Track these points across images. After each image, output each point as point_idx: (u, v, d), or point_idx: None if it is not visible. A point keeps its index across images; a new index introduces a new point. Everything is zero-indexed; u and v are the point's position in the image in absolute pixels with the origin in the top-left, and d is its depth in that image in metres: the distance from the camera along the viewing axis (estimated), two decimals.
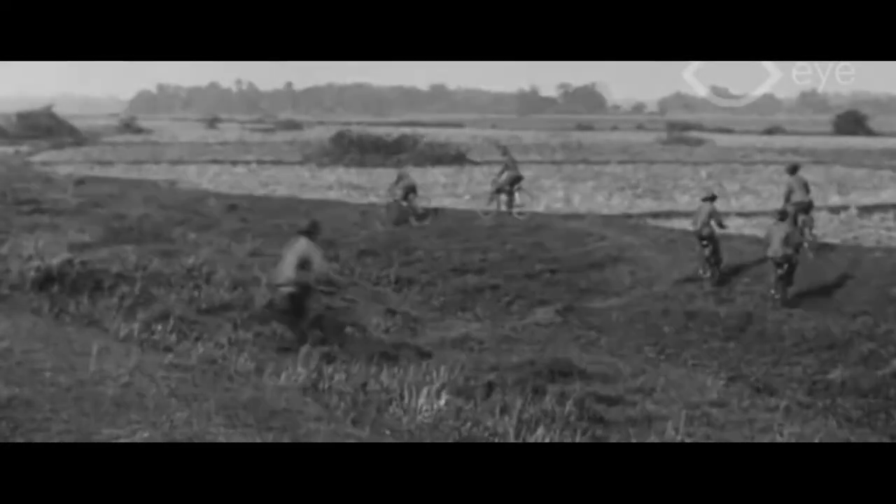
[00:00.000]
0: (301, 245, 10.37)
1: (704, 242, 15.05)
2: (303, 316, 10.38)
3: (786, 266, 13.52)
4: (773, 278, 13.75)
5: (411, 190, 21.52)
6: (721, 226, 15.11)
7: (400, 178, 22.01)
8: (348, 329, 11.28)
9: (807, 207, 16.56)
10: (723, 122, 79.01)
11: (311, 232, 10.56)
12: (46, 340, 7.85)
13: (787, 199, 16.54)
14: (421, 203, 21.78)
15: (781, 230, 13.65)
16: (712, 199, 15.46)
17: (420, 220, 20.94)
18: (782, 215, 14.12)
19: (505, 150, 23.02)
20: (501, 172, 21.75)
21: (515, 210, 21.17)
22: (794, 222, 15.20)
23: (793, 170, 17.38)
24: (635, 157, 40.72)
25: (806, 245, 15.53)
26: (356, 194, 25.97)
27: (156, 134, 61.74)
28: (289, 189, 27.24)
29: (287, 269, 10.31)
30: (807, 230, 16.24)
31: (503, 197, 21.42)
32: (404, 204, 21.32)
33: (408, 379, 8.07)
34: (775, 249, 13.51)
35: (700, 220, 15.20)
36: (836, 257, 15.81)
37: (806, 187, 16.76)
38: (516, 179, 21.49)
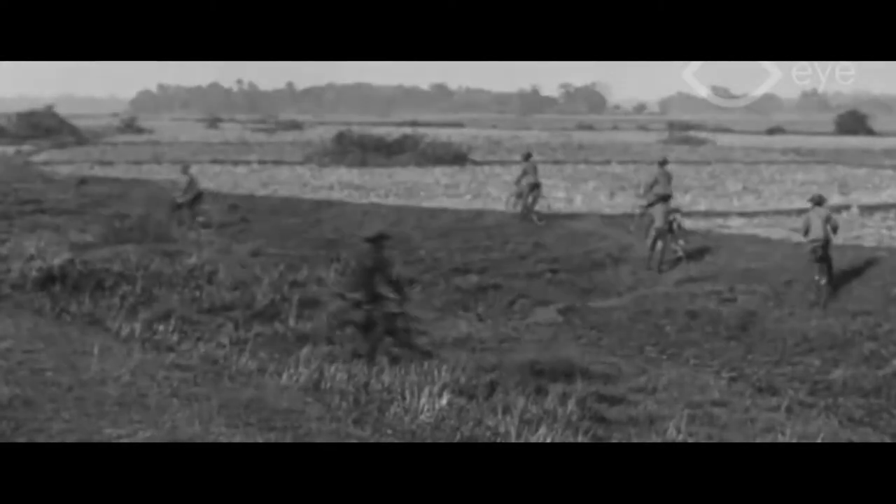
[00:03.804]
0: (822, 210, 14.22)
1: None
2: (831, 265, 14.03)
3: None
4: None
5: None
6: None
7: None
8: None
9: (535, 186, 20.65)
10: (724, 122, 78.95)
11: (820, 202, 14.43)
12: (48, 340, 7.85)
13: (517, 182, 21.22)
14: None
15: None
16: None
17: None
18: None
19: (185, 168, 22.83)
20: (186, 191, 21.50)
21: (199, 222, 21.07)
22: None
23: (526, 156, 22.00)
24: (636, 157, 40.70)
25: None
26: (357, 194, 25.97)
27: (157, 134, 61.75)
28: (290, 189, 27.25)
29: (818, 230, 13.95)
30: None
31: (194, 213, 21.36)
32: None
33: (409, 378, 8.06)
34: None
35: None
36: (838, 257, 15.79)
37: (536, 171, 20.95)
38: (198, 196, 21.52)
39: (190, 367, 7.49)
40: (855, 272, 14.65)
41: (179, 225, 20.22)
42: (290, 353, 9.38)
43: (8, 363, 6.73)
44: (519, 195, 20.97)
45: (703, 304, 13.97)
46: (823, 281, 13.87)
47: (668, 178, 19.25)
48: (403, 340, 10.06)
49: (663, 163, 19.88)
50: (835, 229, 14.16)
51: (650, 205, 18.09)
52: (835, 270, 14.51)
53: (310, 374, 7.79)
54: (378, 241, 10.10)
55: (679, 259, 16.43)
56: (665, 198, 17.99)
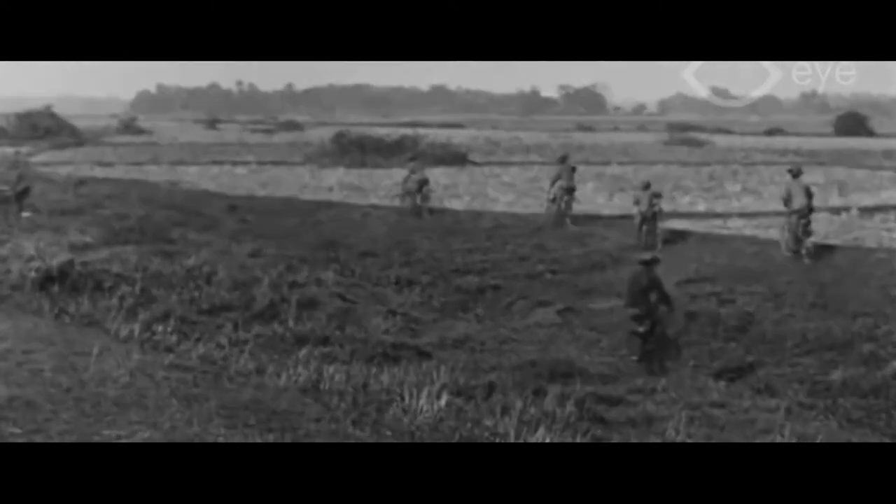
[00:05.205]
0: (801, 181, 16.09)
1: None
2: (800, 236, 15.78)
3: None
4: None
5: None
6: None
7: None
8: None
9: (423, 182, 22.35)
10: (723, 123, 78.92)
11: (798, 174, 16.28)
12: (47, 341, 7.84)
13: (405, 180, 22.73)
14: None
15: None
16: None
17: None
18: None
19: (15, 162, 22.60)
20: (15, 184, 21.03)
21: (25, 217, 20.40)
22: None
23: (412, 158, 24.90)
24: (636, 158, 40.74)
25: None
26: (356, 195, 25.97)
27: (156, 134, 61.69)
28: (289, 190, 27.25)
29: (801, 199, 15.73)
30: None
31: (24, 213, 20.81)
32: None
33: (408, 379, 8.05)
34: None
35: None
36: (837, 258, 15.81)
37: (423, 169, 22.88)
38: (26, 190, 21.09)
39: (189, 367, 7.49)
40: (854, 273, 14.66)
41: (5, 218, 19.56)
42: (290, 353, 9.38)
43: (7, 364, 6.72)
44: (408, 192, 22.65)
45: (702, 305, 13.94)
46: (810, 242, 15.73)
47: (571, 171, 21.03)
48: (664, 344, 11.77)
49: (564, 158, 21.89)
50: (811, 197, 15.98)
51: (554, 199, 20.54)
52: (834, 271, 14.52)
53: (309, 374, 7.79)
54: (651, 263, 11.92)
55: (655, 244, 17.22)
56: (569, 190, 20.48)
